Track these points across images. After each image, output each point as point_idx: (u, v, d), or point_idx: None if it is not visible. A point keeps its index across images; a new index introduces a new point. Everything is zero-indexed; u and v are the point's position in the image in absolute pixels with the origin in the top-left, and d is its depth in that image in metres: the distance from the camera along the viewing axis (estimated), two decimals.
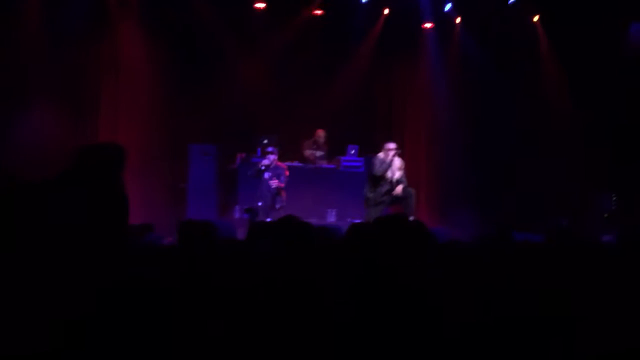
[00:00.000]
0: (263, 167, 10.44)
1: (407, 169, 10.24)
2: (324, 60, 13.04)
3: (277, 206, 10.47)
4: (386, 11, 13.33)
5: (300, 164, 11.90)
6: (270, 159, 10.51)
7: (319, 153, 12.08)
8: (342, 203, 11.39)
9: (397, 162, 9.99)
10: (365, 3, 13.13)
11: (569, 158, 12.40)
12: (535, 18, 13.31)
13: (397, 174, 9.94)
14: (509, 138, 12.77)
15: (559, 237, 4.87)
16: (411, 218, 9.48)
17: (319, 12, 13.17)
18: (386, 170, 9.86)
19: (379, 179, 9.87)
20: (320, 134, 12.17)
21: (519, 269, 3.57)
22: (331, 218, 11.31)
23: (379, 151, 10.12)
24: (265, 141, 11.72)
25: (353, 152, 12.09)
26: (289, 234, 3.80)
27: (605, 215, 11.38)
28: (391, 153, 9.90)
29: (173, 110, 11.78)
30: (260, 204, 10.40)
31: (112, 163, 3.70)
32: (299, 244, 3.86)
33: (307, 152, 12.10)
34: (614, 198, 11.59)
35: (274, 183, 10.48)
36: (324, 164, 12.06)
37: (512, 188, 12.47)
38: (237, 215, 10.94)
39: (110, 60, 11.79)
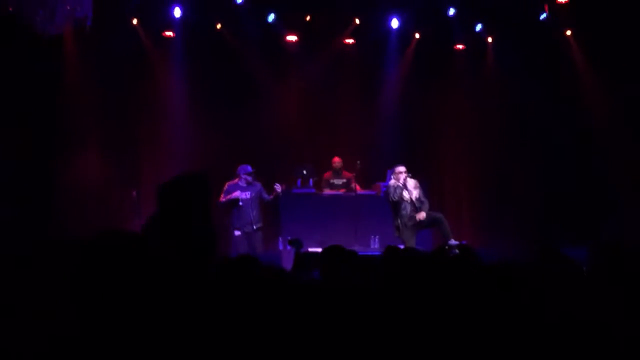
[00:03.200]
0: (241, 202, 10.41)
1: (449, 190, 10.26)
2: (358, 87, 13.15)
3: (255, 227, 10.46)
4: (417, 35, 13.39)
5: (341, 193, 11.92)
6: (249, 179, 10.45)
7: (337, 181, 12.04)
8: (384, 229, 11.35)
9: (411, 182, 10.10)
10: (396, 29, 13.22)
11: (610, 167, 12.29)
12: (568, 32, 13.25)
13: (415, 193, 10.02)
14: (548, 151, 12.72)
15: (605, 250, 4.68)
16: (452, 241, 9.57)
17: (350, 40, 13.29)
18: (401, 194, 9.94)
19: (397, 204, 9.95)
20: (336, 161, 12.14)
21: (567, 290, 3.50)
22: (374, 244, 11.29)
23: (419, 175, 10.22)
24: (304, 171, 11.79)
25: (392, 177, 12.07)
26: (336, 264, 3.83)
27: None
28: (402, 176, 9.98)
29: (212, 143, 12.00)
30: (238, 232, 10.40)
31: (191, 196, 3.35)
32: (346, 273, 3.89)
33: (324, 185, 12.04)
34: None
35: (278, 187, 10.50)
36: (347, 191, 11.93)
37: (554, 202, 12.37)
38: (280, 246, 10.98)
39: (147, 99, 12.16)
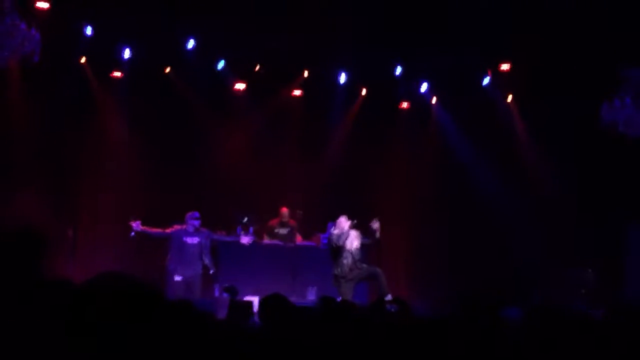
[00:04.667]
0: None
1: (387, 246, 10.38)
2: (304, 140, 13.28)
3: (212, 271, 10.77)
4: (364, 92, 13.64)
5: (281, 243, 11.91)
6: (196, 225, 10.69)
7: (282, 230, 12.09)
8: (322, 280, 11.36)
9: (353, 232, 10.19)
10: (344, 84, 13.44)
11: (544, 232, 12.59)
12: (509, 98, 13.65)
13: (356, 243, 10.11)
14: (485, 212, 12.99)
15: (539, 312, 4.76)
16: (388, 297, 9.61)
17: (298, 92, 13.46)
18: (345, 241, 10.02)
19: (339, 252, 10.01)
20: (284, 212, 12.21)
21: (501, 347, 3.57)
22: (311, 296, 11.26)
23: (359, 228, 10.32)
24: (245, 219, 11.77)
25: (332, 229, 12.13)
26: (272, 313, 3.84)
27: (583, 290, 11.44)
28: (347, 224, 10.07)
29: (155, 190, 11.93)
30: (179, 278, 10.55)
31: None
32: (281, 322, 3.90)
33: (268, 232, 12.08)
34: (591, 273, 11.68)
35: (246, 240, 10.99)
36: (289, 242, 11.97)
37: (489, 261, 12.58)
38: (216, 293, 10.88)
39: (92, 139, 12.05)
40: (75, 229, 11.00)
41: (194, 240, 10.64)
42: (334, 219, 11.71)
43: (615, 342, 3.44)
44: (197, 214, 10.71)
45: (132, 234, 10.44)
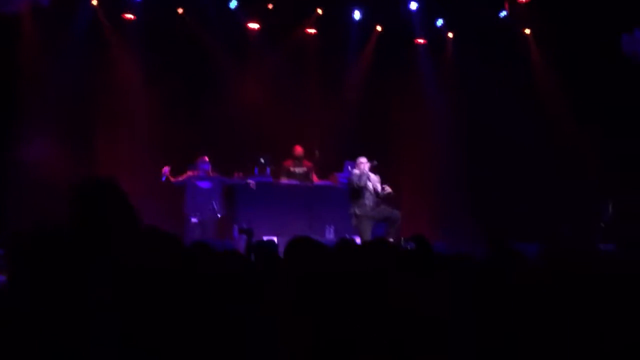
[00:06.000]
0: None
1: (405, 185, 10.34)
2: (319, 78, 13.17)
3: (219, 215, 11.11)
4: (379, 28, 13.47)
5: (297, 182, 11.91)
6: (205, 169, 11.09)
7: (298, 169, 12.03)
8: (340, 219, 11.39)
9: (373, 175, 10.16)
10: (358, 21, 13.26)
11: (563, 168, 12.50)
12: (527, 30, 13.42)
13: (378, 186, 10.11)
14: (504, 149, 12.85)
15: (559, 246, 4.79)
16: (392, 240, 9.61)
17: (312, 31, 13.30)
18: (366, 182, 10.00)
19: (360, 193, 10.00)
20: (297, 150, 12.14)
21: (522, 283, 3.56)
22: (330, 235, 11.31)
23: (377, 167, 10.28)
24: (262, 160, 11.77)
25: (350, 168, 12.10)
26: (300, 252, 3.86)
27: (602, 224, 11.40)
28: (366, 166, 10.05)
29: (169, 130, 11.88)
30: (195, 220, 10.96)
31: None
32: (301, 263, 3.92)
33: (283, 173, 12.03)
34: (611, 207, 11.60)
35: (252, 182, 11.21)
36: (306, 181, 11.94)
37: (508, 199, 12.53)
38: (235, 234, 10.96)
39: (106, 83, 11.98)
40: (95, 173, 11.03)
41: (206, 184, 11.05)
42: (351, 158, 11.70)
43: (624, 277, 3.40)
44: (206, 159, 11.09)
45: (163, 178, 10.83)
